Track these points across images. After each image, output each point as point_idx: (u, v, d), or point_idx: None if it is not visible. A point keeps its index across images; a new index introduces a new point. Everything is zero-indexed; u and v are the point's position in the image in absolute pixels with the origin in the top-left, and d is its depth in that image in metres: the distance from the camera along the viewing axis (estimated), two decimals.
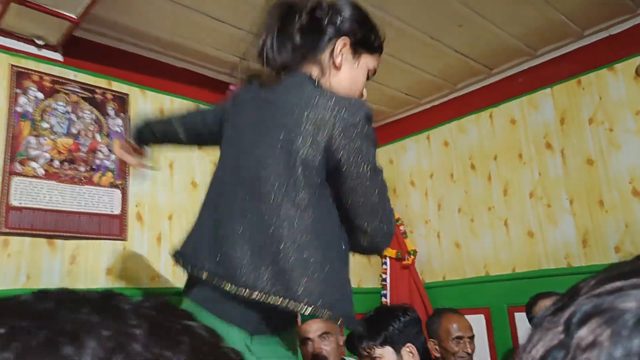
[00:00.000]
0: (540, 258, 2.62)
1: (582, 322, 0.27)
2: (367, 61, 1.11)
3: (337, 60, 1.06)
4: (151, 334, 0.28)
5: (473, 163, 2.99)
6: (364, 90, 1.14)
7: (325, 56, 1.07)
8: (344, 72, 1.08)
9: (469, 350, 2.13)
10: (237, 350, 0.32)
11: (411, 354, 1.50)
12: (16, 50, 2.11)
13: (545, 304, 2.08)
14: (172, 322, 0.30)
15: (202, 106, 2.63)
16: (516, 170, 2.79)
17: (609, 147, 2.47)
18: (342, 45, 1.07)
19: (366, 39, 1.10)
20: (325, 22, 1.07)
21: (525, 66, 2.83)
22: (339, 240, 1.03)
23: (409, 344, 1.51)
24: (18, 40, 2.11)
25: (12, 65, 2.08)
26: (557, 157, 2.64)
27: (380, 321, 1.55)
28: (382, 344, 1.50)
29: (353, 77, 1.09)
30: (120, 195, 2.24)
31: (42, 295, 0.30)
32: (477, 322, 2.66)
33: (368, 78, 1.14)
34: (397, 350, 1.50)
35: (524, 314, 2.31)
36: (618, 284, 0.28)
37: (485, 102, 2.96)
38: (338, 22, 1.07)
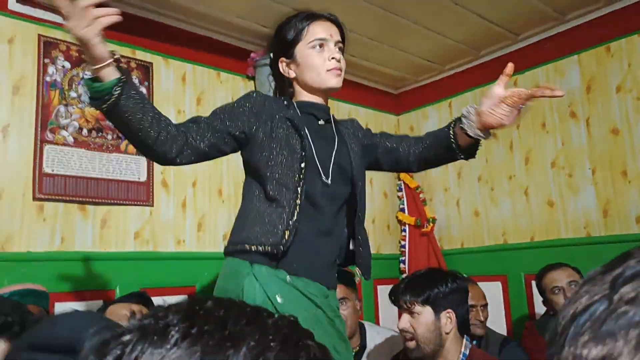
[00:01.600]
0: (559, 227, 2.62)
1: (629, 280, 0.29)
2: (303, 47, 1.32)
3: (291, 76, 1.37)
4: (282, 347, 0.36)
5: (494, 131, 2.96)
6: (328, 54, 1.31)
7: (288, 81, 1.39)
8: (298, 74, 1.35)
9: (482, 318, 2.17)
10: None
11: (449, 320, 1.51)
12: (43, 20, 2.14)
13: (555, 275, 2.10)
14: (297, 339, 0.38)
15: (223, 74, 2.67)
16: (539, 138, 2.76)
17: (635, 116, 2.42)
18: (283, 66, 1.37)
19: (286, 41, 1.34)
20: (272, 64, 1.40)
21: (552, 32, 2.75)
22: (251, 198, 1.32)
23: (449, 310, 1.51)
24: (45, 10, 2.14)
25: (40, 35, 2.12)
26: (582, 126, 2.60)
27: (428, 280, 1.54)
28: (424, 303, 1.50)
29: (305, 69, 1.33)
30: (146, 163, 2.31)
31: (218, 303, 0.40)
32: (494, 289, 2.70)
33: (322, 45, 1.31)
34: (437, 313, 1.50)
35: None
36: None
37: None
38: (272, 56, 1.39)
